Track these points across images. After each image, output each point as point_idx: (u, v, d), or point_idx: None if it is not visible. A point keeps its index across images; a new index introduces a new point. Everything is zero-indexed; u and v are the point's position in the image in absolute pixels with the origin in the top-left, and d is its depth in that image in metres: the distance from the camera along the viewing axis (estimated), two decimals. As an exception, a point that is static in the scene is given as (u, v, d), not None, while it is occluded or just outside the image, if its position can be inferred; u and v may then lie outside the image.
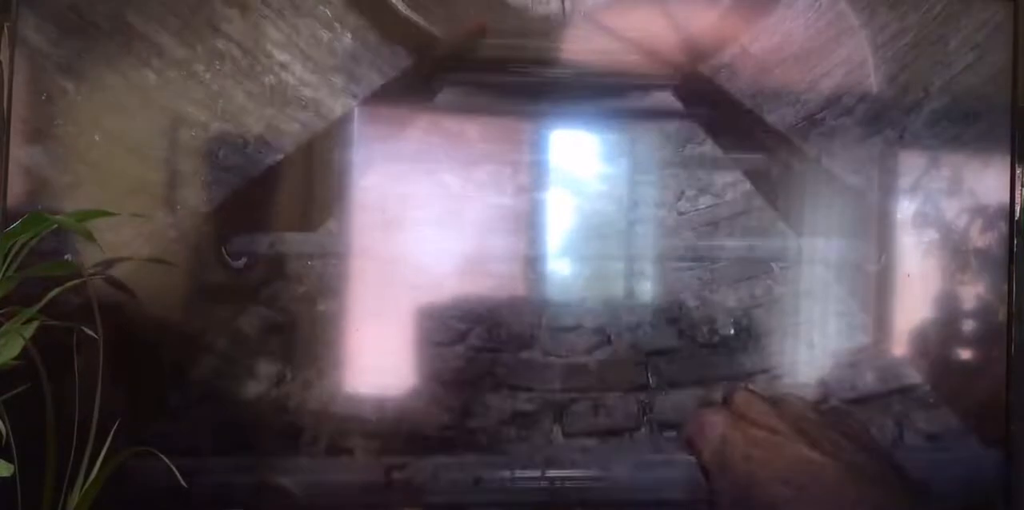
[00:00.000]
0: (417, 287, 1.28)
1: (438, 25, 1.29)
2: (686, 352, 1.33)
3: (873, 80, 1.39)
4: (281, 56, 1.24)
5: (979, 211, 1.41)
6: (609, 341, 1.31)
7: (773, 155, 1.36)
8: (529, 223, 1.30)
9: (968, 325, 1.41)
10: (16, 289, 1.02)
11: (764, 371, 1.34)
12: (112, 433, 1.04)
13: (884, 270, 1.39)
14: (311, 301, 1.25)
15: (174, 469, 1.01)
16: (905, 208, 1.39)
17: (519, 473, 1.29)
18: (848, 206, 1.38)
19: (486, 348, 1.29)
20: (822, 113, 1.37)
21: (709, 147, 1.35)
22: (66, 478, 1.03)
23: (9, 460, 0.94)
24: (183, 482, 1.00)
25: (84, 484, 1.01)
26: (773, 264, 1.35)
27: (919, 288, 1.39)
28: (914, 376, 1.39)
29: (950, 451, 1.38)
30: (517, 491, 1.29)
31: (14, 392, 1.03)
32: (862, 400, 1.37)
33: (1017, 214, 1.40)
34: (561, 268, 1.32)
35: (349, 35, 1.26)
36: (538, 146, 1.32)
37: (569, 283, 1.32)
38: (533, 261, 1.31)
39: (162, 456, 1.02)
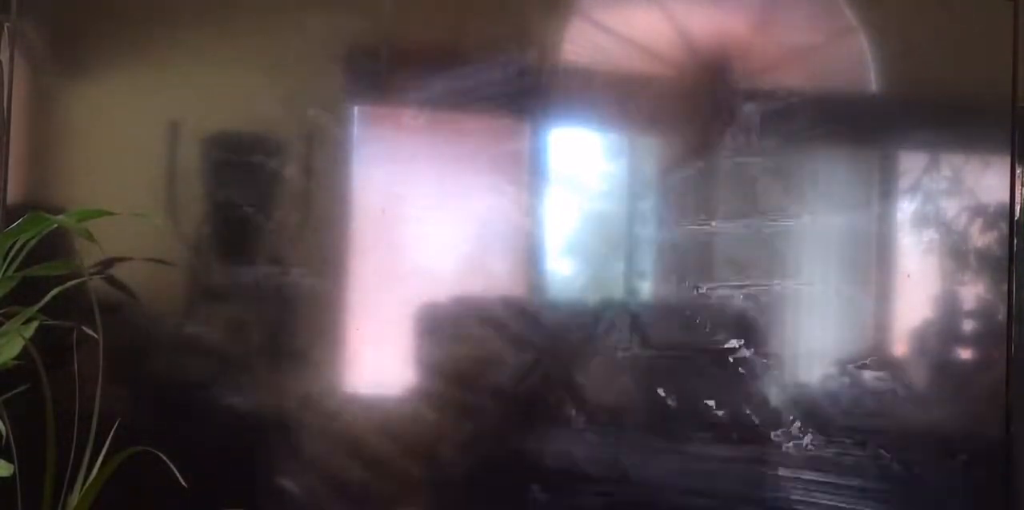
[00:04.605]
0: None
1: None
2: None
3: (873, 79, 1.39)
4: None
5: (979, 211, 1.41)
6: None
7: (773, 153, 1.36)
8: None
9: (968, 325, 1.41)
10: (15, 289, 1.02)
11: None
12: (112, 433, 1.04)
13: (884, 270, 1.39)
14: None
15: (174, 469, 1.00)
16: (905, 208, 1.39)
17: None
18: (847, 202, 1.39)
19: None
20: (820, 111, 1.37)
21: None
22: (66, 478, 1.02)
23: (9, 460, 0.94)
24: (183, 482, 1.00)
25: (84, 484, 1.01)
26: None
27: (919, 288, 1.39)
28: (914, 375, 1.39)
29: (949, 450, 1.38)
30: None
31: (14, 392, 1.03)
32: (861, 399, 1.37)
33: (1017, 214, 1.40)
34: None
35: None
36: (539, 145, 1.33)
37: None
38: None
39: (162, 456, 1.02)
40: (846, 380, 1.37)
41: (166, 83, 1.23)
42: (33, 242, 1.04)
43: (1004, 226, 1.40)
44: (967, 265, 1.40)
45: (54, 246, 1.13)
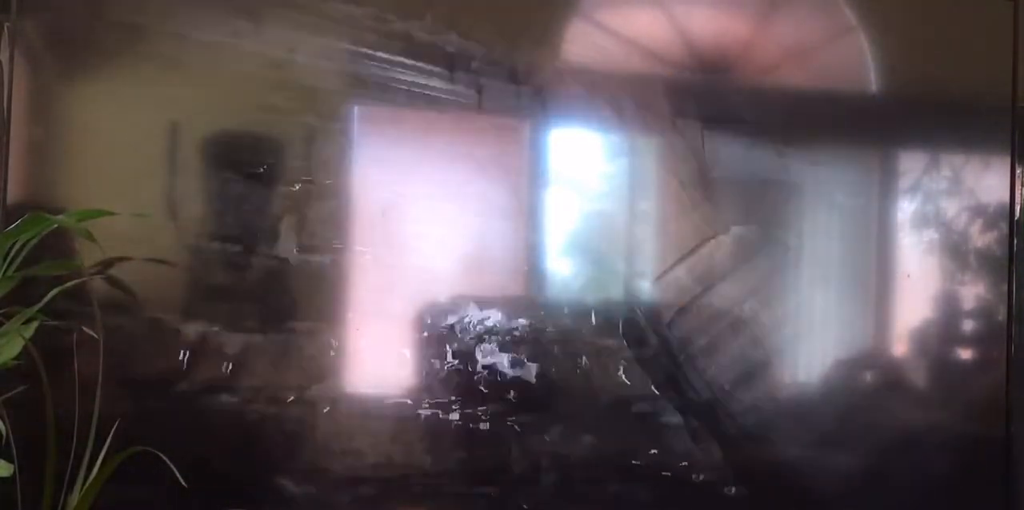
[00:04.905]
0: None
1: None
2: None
3: (873, 79, 1.39)
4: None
5: (979, 211, 1.41)
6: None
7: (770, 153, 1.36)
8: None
9: (968, 325, 1.41)
10: (16, 289, 1.02)
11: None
12: (112, 433, 1.04)
13: (884, 270, 1.39)
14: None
15: (174, 469, 1.00)
16: (905, 208, 1.39)
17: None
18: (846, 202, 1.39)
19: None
20: (820, 111, 1.37)
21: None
22: (66, 478, 1.02)
23: (9, 460, 0.94)
24: (183, 482, 1.00)
25: (84, 484, 1.01)
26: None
27: (919, 288, 1.39)
28: (914, 375, 1.39)
29: (949, 450, 1.38)
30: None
31: (14, 392, 1.03)
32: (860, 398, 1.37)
33: (1017, 214, 1.40)
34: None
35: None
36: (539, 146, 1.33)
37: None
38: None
39: (162, 456, 1.02)
40: (846, 380, 1.37)
41: (166, 83, 1.23)
42: (33, 242, 1.03)
43: (1004, 226, 1.40)
44: (967, 265, 1.40)
45: (54, 246, 1.13)
